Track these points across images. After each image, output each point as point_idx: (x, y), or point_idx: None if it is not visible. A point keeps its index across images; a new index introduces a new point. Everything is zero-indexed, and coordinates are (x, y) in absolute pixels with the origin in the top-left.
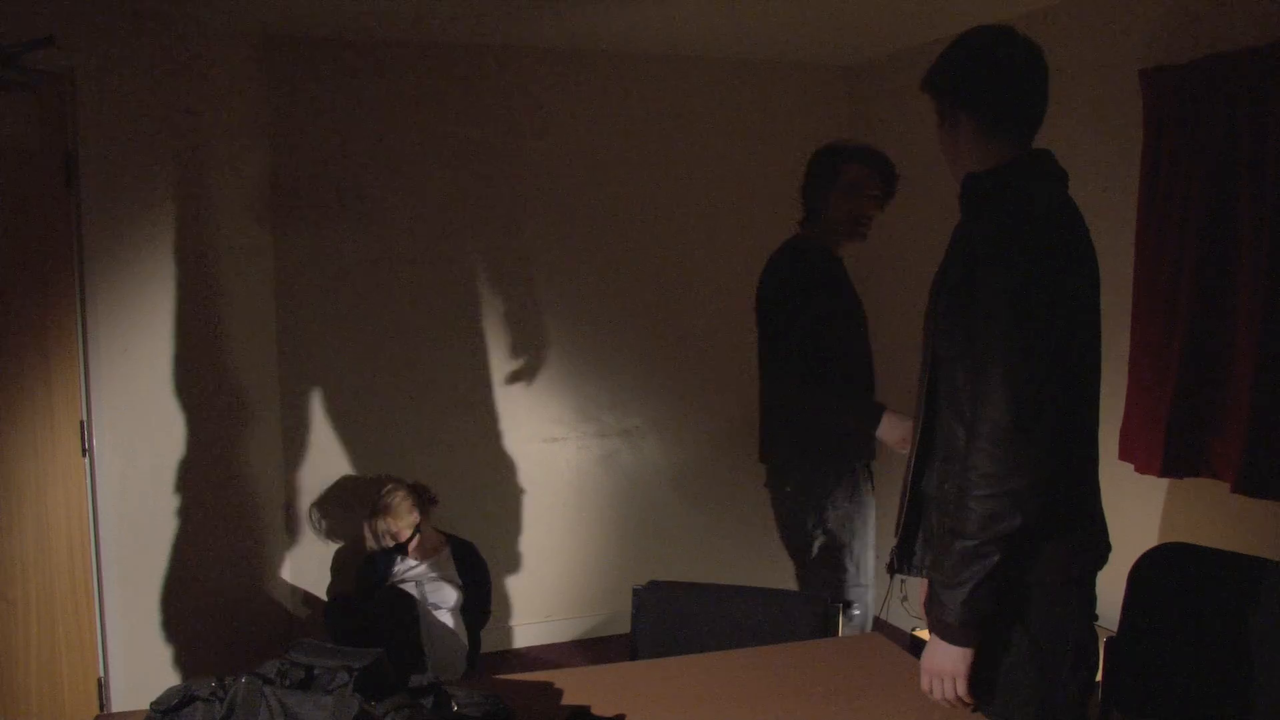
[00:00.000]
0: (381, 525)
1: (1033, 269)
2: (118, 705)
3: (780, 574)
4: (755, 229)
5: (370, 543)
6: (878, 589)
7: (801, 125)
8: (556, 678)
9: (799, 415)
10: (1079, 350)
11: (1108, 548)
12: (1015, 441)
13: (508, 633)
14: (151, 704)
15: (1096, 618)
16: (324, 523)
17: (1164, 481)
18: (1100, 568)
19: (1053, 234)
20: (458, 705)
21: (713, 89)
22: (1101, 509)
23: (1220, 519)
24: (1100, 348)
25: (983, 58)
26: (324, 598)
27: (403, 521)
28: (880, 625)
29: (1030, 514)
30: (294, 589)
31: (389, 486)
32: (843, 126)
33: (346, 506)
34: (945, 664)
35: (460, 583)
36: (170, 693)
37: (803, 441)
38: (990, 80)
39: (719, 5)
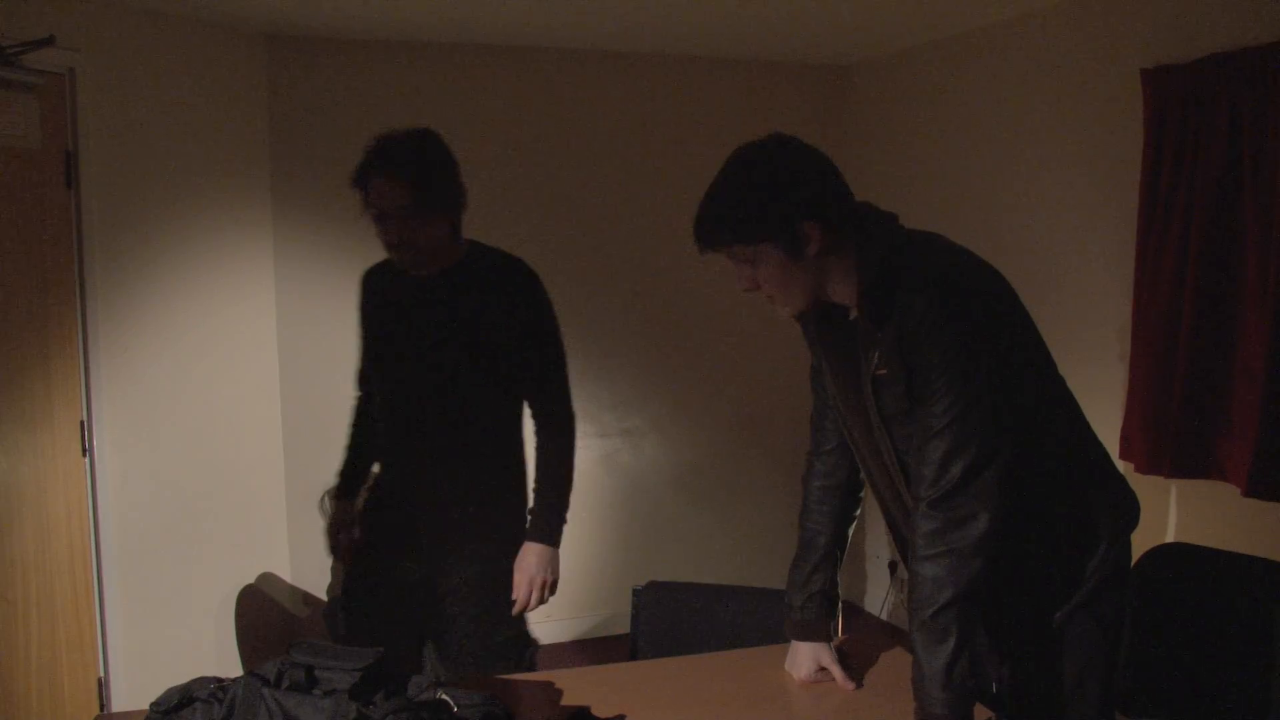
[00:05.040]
0: None
1: (972, 340)
2: (118, 705)
3: (780, 574)
4: None
5: None
6: (878, 588)
7: (800, 125)
8: (556, 678)
9: None
10: (1030, 386)
11: (1134, 512)
12: (954, 496)
13: None
14: (151, 704)
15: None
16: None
17: (1166, 482)
18: (1132, 529)
19: (985, 300)
20: (456, 707)
21: (711, 89)
22: (1117, 484)
23: (1225, 521)
24: (1048, 352)
25: (800, 158)
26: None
27: None
28: (881, 625)
29: (976, 574)
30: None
31: None
32: (840, 126)
33: None
34: None
35: None
36: (170, 693)
37: None
38: (822, 173)
39: (718, 5)
